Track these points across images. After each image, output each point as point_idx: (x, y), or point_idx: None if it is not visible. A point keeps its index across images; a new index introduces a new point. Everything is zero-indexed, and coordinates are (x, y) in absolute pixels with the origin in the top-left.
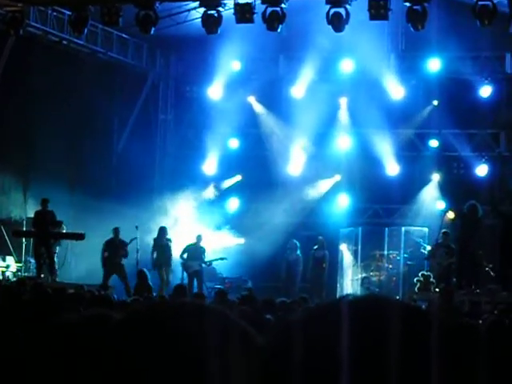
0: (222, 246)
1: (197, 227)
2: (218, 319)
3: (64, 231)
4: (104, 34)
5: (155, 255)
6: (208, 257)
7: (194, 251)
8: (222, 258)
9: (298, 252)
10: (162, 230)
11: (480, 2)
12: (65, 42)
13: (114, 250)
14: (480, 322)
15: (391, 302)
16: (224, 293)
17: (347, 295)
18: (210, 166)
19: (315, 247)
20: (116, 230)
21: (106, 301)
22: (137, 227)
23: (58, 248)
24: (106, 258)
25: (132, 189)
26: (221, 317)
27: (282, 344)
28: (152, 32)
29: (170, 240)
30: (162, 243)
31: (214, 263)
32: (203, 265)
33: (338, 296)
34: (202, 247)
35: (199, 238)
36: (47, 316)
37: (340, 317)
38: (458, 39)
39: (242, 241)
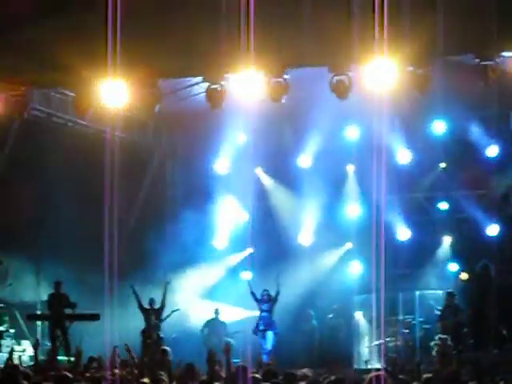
0: (236, 319)
1: (211, 302)
2: None
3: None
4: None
5: None
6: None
7: (214, 326)
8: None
9: (314, 321)
10: None
11: (483, 63)
12: (70, 124)
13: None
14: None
15: None
16: (245, 369)
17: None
18: (220, 240)
19: (330, 316)
20: (151, 301)
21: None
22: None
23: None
24: (143, 330)
25: (144, 267)
26: None
27: None
28: (156, 109)
29: None
30: None
31: (233, 337)
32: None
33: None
34: (222, 322)
35: (217, 312)
36: None
37: None
38: (463, 100)
39: (256, 313)
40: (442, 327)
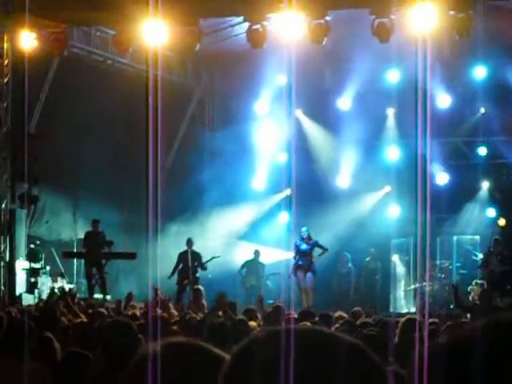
0: (273, 260)
1: (248, 243)
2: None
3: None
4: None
5: None
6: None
7: (253, 267)
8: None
9: (350, 264)
10: None
11: None
12: (109, 62)
13: (187, 262)
14: None
15: None
16: (280, 308)
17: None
18: (259, 181)
19: (367, 259)
20: (189, 241)
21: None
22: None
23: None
24: (180, 270)
25: (181, 206)
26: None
27: None
28: (196, 48)
29: None
30: None
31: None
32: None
33: (391, 308)
34: (261, 263)
35: (257, 253)
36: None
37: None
38: (504, 45)
39: (292, 255)
40: (486, 273)
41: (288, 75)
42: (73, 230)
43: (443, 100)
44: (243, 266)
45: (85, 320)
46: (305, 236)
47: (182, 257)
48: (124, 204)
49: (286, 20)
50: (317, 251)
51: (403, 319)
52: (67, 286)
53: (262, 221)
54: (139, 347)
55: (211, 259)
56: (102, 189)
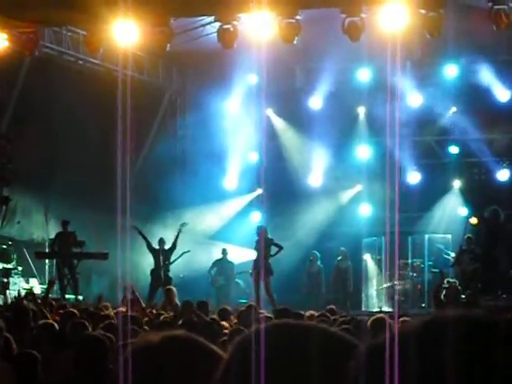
0: (244, 260)
1: (220, 242)
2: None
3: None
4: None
5: None
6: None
7: (222, 266)
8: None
9: (319, 263)
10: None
11: (496, 7)
12: (81, 62)
13: (159, 262)
14: None
15: None
16: (252, 308)
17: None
18: (231, 180)
19: (339, 258)
20: (161, 241)
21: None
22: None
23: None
24: (151, 270)
25: (153, 206)
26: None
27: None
28: (167, 48)
29: None
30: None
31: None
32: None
33: (363, 306)
34: (230, 262)
35: (225, 252)
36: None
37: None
38: (475, 44)
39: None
40: (458, 271)
41: (259, 75)
42: (45, 230)
43: (414, 99)
44: (213, 265)
45: (54, 320)
46: (259, 233)
47: (155, 256)
48: (96, 204)
49: (257, 19)
50: (273, 250)
51: (373, 317)
52: (39, 287)
53: (234, 220)
54: (109, 366)
55: (182, 255)
56: (73, 189)
